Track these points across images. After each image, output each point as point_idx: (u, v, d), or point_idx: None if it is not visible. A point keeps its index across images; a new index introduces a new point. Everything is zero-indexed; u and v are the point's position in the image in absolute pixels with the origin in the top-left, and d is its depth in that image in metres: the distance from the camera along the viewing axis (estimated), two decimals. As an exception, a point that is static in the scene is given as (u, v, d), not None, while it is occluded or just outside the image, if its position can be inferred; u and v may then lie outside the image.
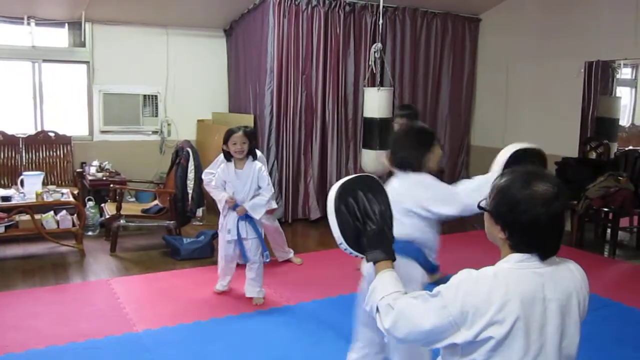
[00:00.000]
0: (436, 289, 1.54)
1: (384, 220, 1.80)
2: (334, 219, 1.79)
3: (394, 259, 1.76)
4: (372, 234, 1.76)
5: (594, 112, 6.61)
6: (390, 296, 1.61)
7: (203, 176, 4.41)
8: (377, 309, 1.63)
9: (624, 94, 7.13)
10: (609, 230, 6.12)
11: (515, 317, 1.44)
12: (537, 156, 2.39)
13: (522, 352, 1.46)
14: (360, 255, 1.82)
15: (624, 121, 7.15)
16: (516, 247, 1.53)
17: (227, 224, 4.15)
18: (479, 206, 1.65)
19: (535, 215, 1.48)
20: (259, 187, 4.12)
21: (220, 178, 4.12)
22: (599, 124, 6.65)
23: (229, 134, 4.03)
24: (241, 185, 4.08)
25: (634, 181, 5.89)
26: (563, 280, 1.54)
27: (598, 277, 4.99)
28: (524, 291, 1.47)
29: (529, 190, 1.49)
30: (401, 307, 1.56)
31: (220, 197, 4.12)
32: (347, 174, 7.08)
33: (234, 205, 4.08)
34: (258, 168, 4.13)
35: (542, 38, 7.01)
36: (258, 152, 4.42)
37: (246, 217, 4.11)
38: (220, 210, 4.24)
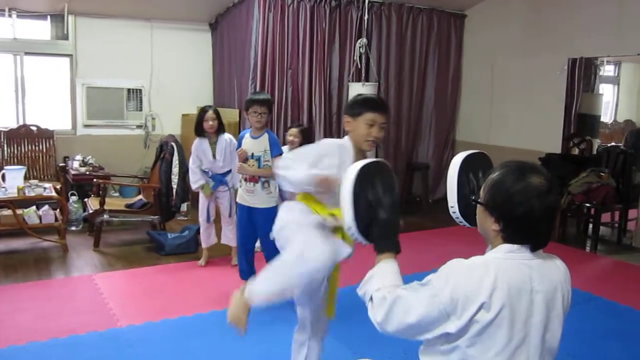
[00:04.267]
0: (426, 278, 1.56)
1: (394, 209, 1.80)
2: (350, 203, 1.76)
3: (399, 251, 1.77)
4: (383, 223, 1.76)
5: (577, 109, 6.67)
6: (386, 289, 1.62)
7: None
8: (371, 299, 1.64)
9: (606, 90, 7.20)
10: (590, 226, 6.20)
11: (501, 305, 1.46)
12: (485, 159, 2.29)
13: (505, 341, 1.48)
14: (366, 242, 1.81)
15: (607, 118, 7.22)
16: (509, 239, 1.56)
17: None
18: (473, 200, 1.67)
19: (530, 207, 1.50)
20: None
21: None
22: (581, 121, 6.71)
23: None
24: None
25: (615, 177, 5.97)
26: (550, 274, 1.57)
27: (580, 271, 5.05)
28: (512, 281, 1.49)
29: (524, 183, 1.51)
30: (393, 299, 1.57)
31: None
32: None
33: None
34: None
35: (526, 35, 7.06)
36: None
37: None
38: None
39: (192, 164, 4.85)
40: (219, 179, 4.88)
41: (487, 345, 1.49)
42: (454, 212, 1.93)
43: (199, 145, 4.81)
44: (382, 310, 1.59)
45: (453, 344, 1.52)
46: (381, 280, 1.65)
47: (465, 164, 1.94)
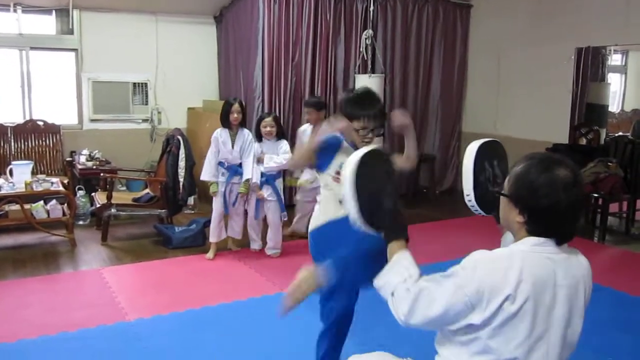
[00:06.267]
0: (451, 269, 1.54)
1: (396, 197, 1.78)
2: (353, 195, 1.73)
3: (407, 238, 1.74)
4: (389, 212, 1.74)
5: (584, 98, 6.62)
6: (408, 281, 1.60)
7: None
8: (392, 293, 1.62)
9: (614, 80, 7.15)
10: (598, 216, 6.17)
11: (525, 297, 1.46)
12: (499, 147, 2.23)
13: (526, 333, 1.48)
14: (374, 233, 1.78)
15: (614, 107, 7.18)
16: (533, 232, 1.55)
17: None
18: (497, 192, 1.65)
19: (555, 200, 1.49)
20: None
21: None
22: (589, 110, 6.67)
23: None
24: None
25: (623, 167, 5.93)
26: (573, 269, 1.56)
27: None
28: (537, 274, 1.49)
29: (550, 175, 1.50)
30: (417, 292, 1.55)
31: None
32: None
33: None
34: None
35: (532, 24, 7.01)
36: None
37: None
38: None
39: (210, 156, 4.95)
40: (235, 170, 4.97)
41: (508, 337, 1.48)
42: (470, 200, 1.90)
43: (220, 136, 4.94)
44: (406, 303, 1.57)
45: (473, 335, 1.51)
46: (400, 273, 1.63)
47: (480, 151, 1.92)
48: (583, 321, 1.59)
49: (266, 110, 6.45)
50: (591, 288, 1.63)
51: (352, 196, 1.74)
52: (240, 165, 4.98)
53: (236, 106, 4.90)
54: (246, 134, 5.00)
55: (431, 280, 1.56)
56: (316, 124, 5.12)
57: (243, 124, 5.00)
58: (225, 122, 4.92)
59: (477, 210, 1.94)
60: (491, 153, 1.97)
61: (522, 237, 1.57)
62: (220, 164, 4.98)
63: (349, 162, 1.79)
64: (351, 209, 1.75)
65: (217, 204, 5.00)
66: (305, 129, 5.40)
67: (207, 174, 4.96)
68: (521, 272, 1.47)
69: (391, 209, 1.75)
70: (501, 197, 1.62)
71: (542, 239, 1.54)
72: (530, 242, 1.54)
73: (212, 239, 5.01)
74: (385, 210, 1.75)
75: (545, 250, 1.53)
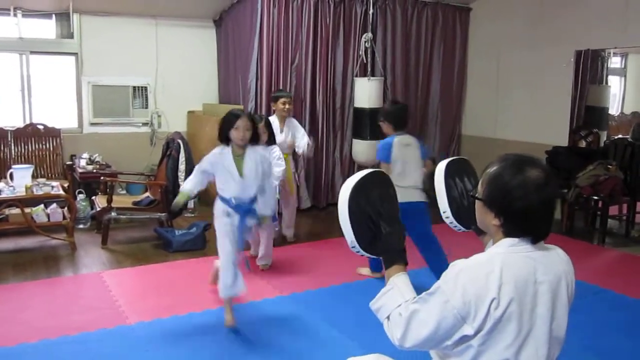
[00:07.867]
0: (434, 286, 1.55)
1: (395, 219, 1.77)
2: (348, 223, 1.71)
3: (406, 263, 1.74)
4: (387, 236, 1.73)
5: (584, 101, 6.64)
6: (401, 306, 1.61)
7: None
8: (388, 317, 1.64)
9: (613, 82, 7.16)
10: (598, 219, 6.17)
11: (509, 299, 1.47)
12: (467, 163, 2.31)
13: (514, 334, 1.49)
14: (373, 257, 1.79)
15: (614, 110, 7.19)
16: (510, 233, 1.56)
17: None
18: (472, 196, 1.66)
19: (529, 201, 1.51)
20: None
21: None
22: (588, 113, 6.68)
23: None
24: None
25: (623, 169, 5.94)
26: (553, 264, 1.58)
27: (588, 264, 5.04)
28: (518, 274, 1.50)
29: (522, 177, 1.52)
30: (409, 316, 1.56)
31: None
32: (334, 164, 7.13)
33: None
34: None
35: (532, 27, 7.02)
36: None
37: None
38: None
39: (198, 169, 3.73)
40: (246, 209, 3.61)
41: (497, 340, 1.49)
42: (447, 217, 1.95)
43: (220, 160, 3.59)
44: (400, 328, 1.58)
45: (465, 345, 1.52)
46: (395, 298, 1.64)
47: (448, 169, 1.97)
48: (568, 315, 1.60)
49: (264, 113, 6.46)
50: (574, 282, 1.64)
51: (348, 222, 1.71)
52: (252, 201, 3.62)
53: (244, 122, 3.51)
54: (260, 153, 3.67)
55: (419, 301, 1.57)
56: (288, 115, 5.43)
57: (255, 140, 3.63)
58: (224, 138, 3.58)
59: (456, 227, 1.97)
60: (460, 170, 2.03)
61: (499, 239, 1.59)
62: (224, 200, 3.61)
63: (344, 187, 1.76)
64: (347, 236, 1.72)
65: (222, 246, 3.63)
66: (273, 120, 5.26)
67: (188, 183, 3.76)
68: (502, 275, 1.48)
69: (389, 234, 1.73)
70: (476, 200, 1.64)
71: (517, 240, 1.56)
72: (507, 244, 1.56)
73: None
74: (383, 236, 1.73)
75: (523, 249, 1.55)
